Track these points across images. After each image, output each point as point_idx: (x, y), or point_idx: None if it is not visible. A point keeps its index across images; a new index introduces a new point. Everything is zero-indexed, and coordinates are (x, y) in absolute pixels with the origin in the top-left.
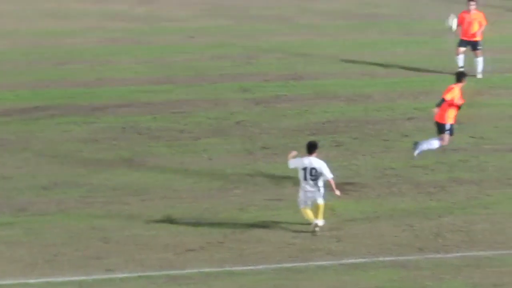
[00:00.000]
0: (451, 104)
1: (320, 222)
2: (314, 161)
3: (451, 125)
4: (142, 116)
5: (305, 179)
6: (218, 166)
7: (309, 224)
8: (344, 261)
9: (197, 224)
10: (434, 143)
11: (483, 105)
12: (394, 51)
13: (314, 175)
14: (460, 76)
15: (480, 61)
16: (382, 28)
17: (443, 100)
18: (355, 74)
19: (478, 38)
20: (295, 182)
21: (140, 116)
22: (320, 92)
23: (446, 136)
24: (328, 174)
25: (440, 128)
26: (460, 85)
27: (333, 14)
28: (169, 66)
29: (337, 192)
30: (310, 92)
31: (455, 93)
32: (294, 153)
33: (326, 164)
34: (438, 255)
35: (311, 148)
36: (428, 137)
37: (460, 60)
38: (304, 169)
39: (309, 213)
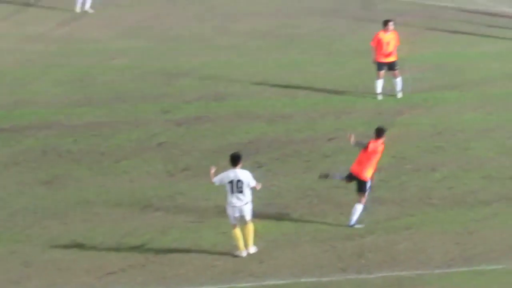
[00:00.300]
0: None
1: (252, 249)
2: (240, 173)
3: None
4: (63, 138)
5: (232, 192)
6: (139, 188)
7: (235, 245)
8: (267, 282)
9: (118, 247)
10: (359, 208)
11: (404, 125)
12: (315, 71)
13: (241, 187)
14: (380, 132)
15: (399, 81)
16: (303, 48)
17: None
18: (276, 94)
19: (394, 58)
20: (217, 203)
21: (60, 139)
22: (241, 112)
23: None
24: (252, 181)
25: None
26: (381, 140)
27: (253, 34)
28: (89, 87)
29: (258, 186)
30: (231, 112)
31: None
32: (213, 169)
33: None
34: (361, 276)
35: (236, 160)
36: (349, 157)
37: (379, 86)
38: (231, 182)
39: (239, 238)
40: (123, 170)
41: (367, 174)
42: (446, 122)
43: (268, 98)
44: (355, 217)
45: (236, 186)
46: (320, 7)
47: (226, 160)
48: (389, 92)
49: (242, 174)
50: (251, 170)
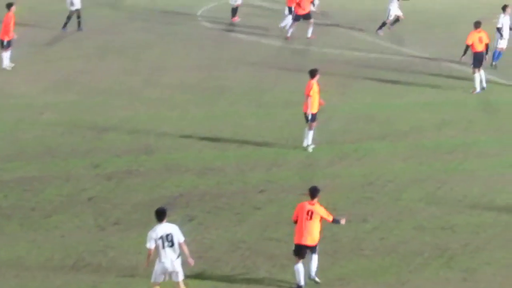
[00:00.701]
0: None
1: None
2: (167, 227)
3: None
4: None
5: (163, 247)
6: (70, 243)
7: None
8: None
9: None
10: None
11: (335, 176)
12: (244, 123)
13: (171, 240)
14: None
15: (310, 134)
16: (232, 100)
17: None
18: (206, 147)
19: (315, 110)
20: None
21: None
22: (171, 166)
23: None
24: (181, 236)
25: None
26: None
27: (182, 87)
28: (19, 142)
29: (190, 261)
30: (162, 166)
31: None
32: (149, 256)
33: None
34: None
35: (161, 215)
36: (280, 209)
37: (309, 137)
38: (161, 238)
39: None
40: (54, 225)
41: (317, 237)
42: (377, 172)
43: (198, 151)
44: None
45: (166, 240)
46: (248, 59)
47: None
48: (318, 143)
49: (170, 228)
50: (182, 223)
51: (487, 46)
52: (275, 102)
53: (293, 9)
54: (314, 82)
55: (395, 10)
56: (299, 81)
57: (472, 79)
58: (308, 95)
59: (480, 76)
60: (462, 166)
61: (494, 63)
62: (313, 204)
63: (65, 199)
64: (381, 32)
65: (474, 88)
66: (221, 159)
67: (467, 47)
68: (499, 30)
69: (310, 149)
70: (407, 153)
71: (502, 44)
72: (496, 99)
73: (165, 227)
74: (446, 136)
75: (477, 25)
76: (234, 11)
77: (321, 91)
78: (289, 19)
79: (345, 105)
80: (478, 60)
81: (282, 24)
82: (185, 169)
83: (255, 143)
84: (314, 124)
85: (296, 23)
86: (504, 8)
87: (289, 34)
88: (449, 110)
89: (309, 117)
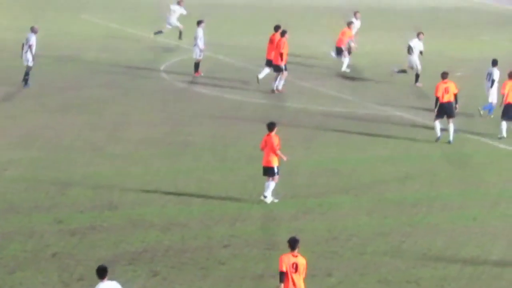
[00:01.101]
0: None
1: None
2: (108, 285)
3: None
4: None
5: None
6: None
7: None
8: None
9: None
10: (271, 185)
11: (299, 230)
12: (209, 177)
13: None
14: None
15: (270, 186)
16: (196, 155)
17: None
18: (170, 202)
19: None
20: None
21: None
22: (135, 221)
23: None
24: None
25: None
26: (274, 132)
27: (146, 142)
28: None
29: None
30: (126, 221)
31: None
32: None
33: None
34: None
35: (103, 273)
36: (244, 264)
37: (269, 190)
38: None
39: None
40: (18, 282)
41: None
42: (341, 226)
43: (162, 206)
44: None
45: None
46: (211, 113)
47: (122, 270)
48: (282, 197)
49: (111, 286)
50: (146, 278)
51: (455, 96)
52: (238, 156)
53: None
54: (273, 135)
55: (415, 61)
56: (262, 135)
57: (444, 131)
58: (273, 151)
59: (449, 127)
60: (426, 219)
61: (488, 114)
62: (296, 256)
63: (29, 255)
64: (419, 84)
65: (437, 137)
66: (185, 214)
67: (437, 99)
68: (493, 82)
69: (268, 200)
70: (371, 207)
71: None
72: (460, 152)
73: (106, 286)
74: (410, 190)
75: (444, 75)
76: (197, 66)
77: (285, 145)
78: (279, 74)
79: (309, 158)
80: (443, 111)
81: (276, 84)
82: (149, 224)
83: (219, 197)
84: (277, 177)
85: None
86: (495, 62)
87: (280, 87)
88: (413, 163)
89: (275, 169)
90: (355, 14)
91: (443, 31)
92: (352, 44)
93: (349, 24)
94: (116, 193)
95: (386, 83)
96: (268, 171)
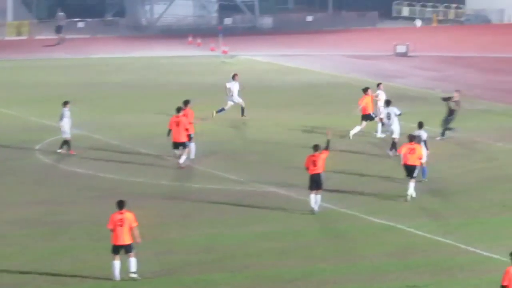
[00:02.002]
0: None
1: None
2: None
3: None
4: None
5: None
6: None
7: None
8: None
9: None
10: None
11: None
12: (84, 257)
13: None
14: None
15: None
16: (72, 235)
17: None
18: (46, 282)
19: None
20: None
21: None
22: None
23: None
24: None
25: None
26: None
27: (21, 223)
28: None
29: None
30: None
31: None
32: None
33: None
34: None
35: None
36: None
37: (117, 268)
38: None
39: None
40: None
41: None
42: None
43: (38, 287)
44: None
45: None
46: (86, 193)
47: None
48: (157, 275)
49: None
50: None
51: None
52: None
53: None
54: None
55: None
56: (137, 213)
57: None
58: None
59: (315, 198)
60: None
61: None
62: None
63: None
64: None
65: (312, 209)
66: None
67: (307, 168)
68: (425, 143)
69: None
70: (247, 284)
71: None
72: (335, 227)
73: None
74: (286, 265)
75: (316, 148)
76: (66, 143)
77: (161, 223)
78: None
79: (185, 235)
80: (313, 182)
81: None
82: None
83: (95, 277)
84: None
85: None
86: (420, 124)
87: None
88: (288, 238)
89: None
90: None
91: (320, 106)
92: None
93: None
94: None
95: (261, 160)
96: (127, 248)
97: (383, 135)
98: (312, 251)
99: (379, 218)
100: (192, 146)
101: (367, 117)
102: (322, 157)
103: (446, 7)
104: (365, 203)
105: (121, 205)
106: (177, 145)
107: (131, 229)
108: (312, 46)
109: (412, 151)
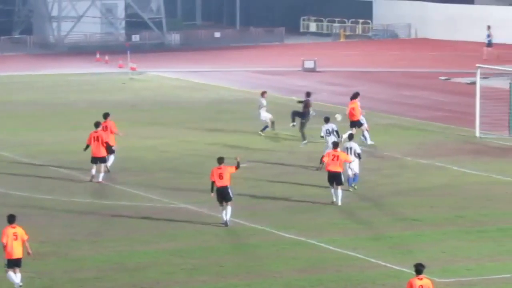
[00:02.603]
0: None
1: None
2: None
3: None
4: None
5: None
6: None
7: None
8: None
9: None
10: None
11: None
12: None
13: None
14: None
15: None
16: None
17: None
18: None
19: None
20: None
21: None
22: None
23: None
24: None
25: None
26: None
27: None
28: None
29: None
30: None
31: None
32: None
33: None
34: None
35: None
36: None
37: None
38: None
39: None
40: None
41: None
42: None
43: None
44: None
45: None
46: None
47: None
48: None
49: None
50: None
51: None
52: None
53: None
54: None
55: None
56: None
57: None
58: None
59: (225, 210)
60: None
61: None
62: None
63: None
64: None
65: (225, 222)
66: None
67: (213, 183)
68: (359, 155)
69: None
70: None
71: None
72: (246, 242)
73: None
74: (197, 281)
75: (219, 160)
76: None
77: (72, 240)
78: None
79: (96, 253)
80: (221, 195)
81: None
82: None
83: None
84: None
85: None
86: (349, 139)
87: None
88: (200, 254)
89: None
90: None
91: (229, 122)
92: None
93: None
94: None
95: (172, 177)
96: (19, 262)
97: (373, 142)
98: (223, 266)
99: (290, 233)
100: (111, 157)
101: (355, 123)
102: (229, 170)
103: (353, 22)
104: (276, 218)
105: (11, 219)
106: (96, 159)
107: (23, 242)
108: (220, 62)
109: (335, 158)
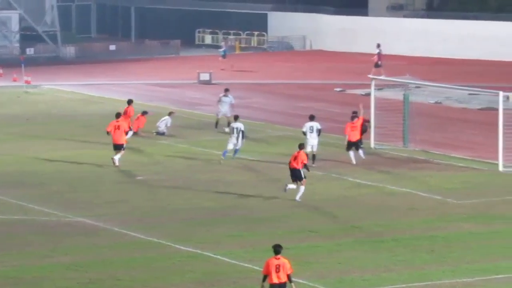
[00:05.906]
0: None
1: None
2: None
3: None
4: None
5: None
6: None
7: None
8: None
9: None
10: None
11: None
12: None
13: None
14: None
15: None
16: None
17: None
18: None
19: None
20: None
21: None
22: None
23: None
24: None
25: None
26: None
27: None
28: None
29: None
30: None
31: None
32: None
33: None
34: None
35: None
36: None
37: None
38: None
39: None
40: None
41: None
42: None
43: None
44: None
45: None
46: None
47: None
48: None
49: None
50: None
51: None
52: None
53: None
54: None
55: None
56: None
57: None
58: None
59: None
60: None
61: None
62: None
63: None
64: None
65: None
66: None
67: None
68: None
69: None
70: None
71: None
72: (142, 255)
73: None
74: None
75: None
76: None
77: None
78: None
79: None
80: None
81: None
82: None
83: None
84: None
85: None
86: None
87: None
88: (95, 268)
89: None
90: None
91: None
92: None
93: None
94: None
95: (67, 190)
96: None
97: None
98: (120, 280)
99: (186, 245)
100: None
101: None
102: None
103: (248, 34)
104: (173, 231)
105: None
106: (118, 146)
107: None
108: (116, 75)
109: (295, 157)
